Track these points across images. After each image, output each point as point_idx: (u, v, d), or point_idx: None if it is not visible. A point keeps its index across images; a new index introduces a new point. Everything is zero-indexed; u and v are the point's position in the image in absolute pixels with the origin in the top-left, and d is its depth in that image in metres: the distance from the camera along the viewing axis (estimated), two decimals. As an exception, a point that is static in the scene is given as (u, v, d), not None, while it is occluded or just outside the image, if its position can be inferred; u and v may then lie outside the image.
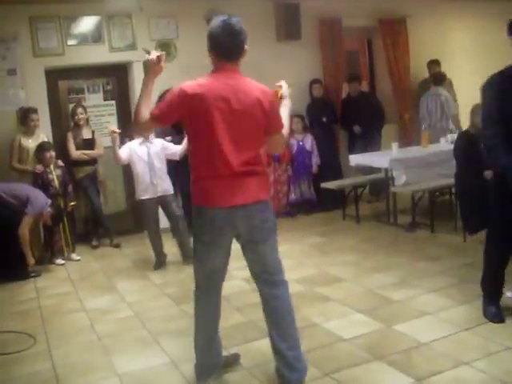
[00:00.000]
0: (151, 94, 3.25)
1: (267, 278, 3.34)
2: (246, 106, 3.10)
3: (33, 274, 6.03)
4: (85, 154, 6.89)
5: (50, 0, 6.67)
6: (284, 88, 3.57)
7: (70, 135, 6.86)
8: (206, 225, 3.16)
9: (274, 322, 3.33)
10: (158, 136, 7.24)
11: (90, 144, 6.93)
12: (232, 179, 3.09)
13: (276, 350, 3.31)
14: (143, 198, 5.95)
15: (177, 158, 6.05)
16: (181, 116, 3.12)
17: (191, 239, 3.47)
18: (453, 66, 9.01)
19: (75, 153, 6.82)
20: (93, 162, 7.04)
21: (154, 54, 3.22)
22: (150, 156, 5.94)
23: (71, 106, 7.24)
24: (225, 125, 3.06)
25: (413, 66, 8.98)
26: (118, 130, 5.86)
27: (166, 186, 6.02)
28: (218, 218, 3.12)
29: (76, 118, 6.85)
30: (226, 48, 3.17)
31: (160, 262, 6.13)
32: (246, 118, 3.10)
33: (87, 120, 7.04)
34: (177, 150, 6.02)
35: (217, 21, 3.15)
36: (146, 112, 3.12)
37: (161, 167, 6.00)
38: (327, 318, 4.25)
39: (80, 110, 6.88)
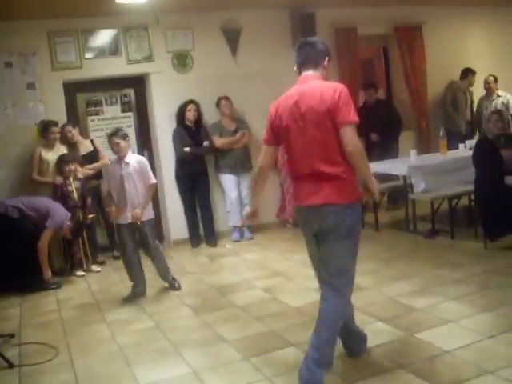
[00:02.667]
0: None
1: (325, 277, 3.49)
2: (311, 106, 3.30)
3: (53, 286, 6.07)
4: (89, 169, 6.80)
5: (68, 14, 6.74)
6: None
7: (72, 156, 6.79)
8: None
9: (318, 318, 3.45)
10: (178, 148, 7.31)
11: (92, 157, 6.86)
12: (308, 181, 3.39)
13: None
14: (120, 222, 5.46)
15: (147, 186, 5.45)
16: (277, 132, 3.49)
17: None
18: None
19: (81, 170, 6.67)
20: (98, 176, 6.94)
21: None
22: (122, 177, 5.36)
23: (90, 118, 7.30)
24: (297, 130, 3.36)
25: (429, 72, 8.94)
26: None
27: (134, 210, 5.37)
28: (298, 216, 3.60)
29: (69, 135, 6.73)
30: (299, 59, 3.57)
31: (134, 294, 5.54)
32: (313, 117, 3.30)
33: (80, 134, 6.94)
34: (149, 181, 5.44)
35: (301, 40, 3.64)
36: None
37: (135, 190, 5.38)
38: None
39: (68, 127, 6.75)
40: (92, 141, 7.02)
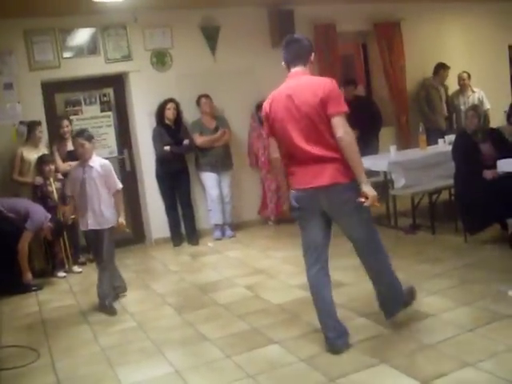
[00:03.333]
0: None
1: None
2: (305, 99, 3.58)
3: (34, 288, 6.02)
4: (69, 166, 6.68)
5: (45, 13, 6.67)
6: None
7: (55, 148, 6.80)
8: None
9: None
10: (158, 147, 7.28)
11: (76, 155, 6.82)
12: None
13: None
14: (82, 229, 5.24)
15: (112, 193, 5.21)
16: (273, 125, 3.75)
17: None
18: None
19: (62, 165, 6.68)
20: None
21: None
22: (84, 181, 5.06)
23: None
24: (293, 120, 3.63)
25: (408, 68, 8.99)
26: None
27: (102, 219, 5.10)
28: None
29: (62, 130, 6.78)
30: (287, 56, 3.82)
31: (104, 305, 5.13)
32: (307, 109, 3.57)
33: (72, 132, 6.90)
34: (116, 186, 5.20)
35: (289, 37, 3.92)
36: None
37: (98, 195, 5.08)
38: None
39: (65, 122, 6.83)
40: None
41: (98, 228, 5.11)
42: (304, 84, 3.66)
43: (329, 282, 3.87)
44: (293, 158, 3.74)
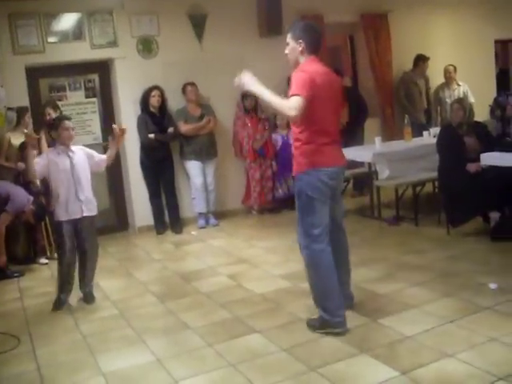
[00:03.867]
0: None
1: None
2: (333, 84, 3.96)
3: (16, 275, 5.98)
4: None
5: (30, -4, 6.61)
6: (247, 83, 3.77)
7: (42, 133, 6.70)
8: None
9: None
10: (142, 135, 7.25)
11: None
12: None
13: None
14: (63, 219, 4.91)
15: (102, 168, 5.32)
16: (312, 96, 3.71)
17: None
18: (434, 60, 9.03)
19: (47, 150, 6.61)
20: None
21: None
22: (74, 167, 4.91)
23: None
24: (330, 100, 3.89)
25: (395, 60, 9.00)
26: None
27: (91, 205, 5.04)
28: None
29: (48, 118, 6.61)
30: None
31: (61, 301, 5.00)
32: (337, 95, 3.99)
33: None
34: (103, 158, 5.21)
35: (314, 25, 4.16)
36: (284, 102, 3.66)
37: (87, 181, 5.03)
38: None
39: (48, 109, 6.60)
40: None
41: (91, 214, 4.99)
42: (330, 72, 4.01)
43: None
44: (326, 135, 3.87)
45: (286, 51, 3.99)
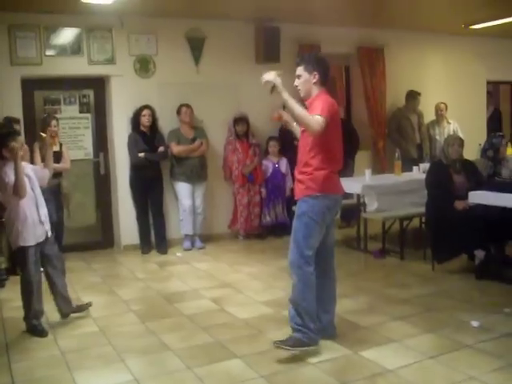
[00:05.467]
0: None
1: None
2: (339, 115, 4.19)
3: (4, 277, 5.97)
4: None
5: (31, 9, 6.64)
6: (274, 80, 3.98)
7: (36, 146, 6.65)
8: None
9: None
10: (132, 154, 7.24)
11: (56, 157, 6.54)
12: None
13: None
14: (30, 244, 4.52)
15: (45, 183, 4.86)
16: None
17: None
18: (427, 96, 9.15)
19: (40, 165, 6.56)
20: (57, 175, 6.63)
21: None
22: (34, 183, 4.57)
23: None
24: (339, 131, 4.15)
25: (389, 94, 9.10)
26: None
27: (46, 225, 4.67)
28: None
29: (49, 129, 6.66)
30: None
31: (36, 328, 4.62)
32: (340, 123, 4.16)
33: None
34: (45, 173, 4.80)
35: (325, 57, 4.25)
36: (310, 116, 3.86)
37: (40, 197, 4.65)
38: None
39: (54, 122, 6.63)
40: (61, 144, 6.77)
41: (49, 234, 4.69)
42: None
43: None
44: (337, 163, 4.12)
45: (296, 83, 4.14)
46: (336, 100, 4.19)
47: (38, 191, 4.62)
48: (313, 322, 4.01)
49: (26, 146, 4.86)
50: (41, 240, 4.61)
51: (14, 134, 4.68)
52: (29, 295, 4.61)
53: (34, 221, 4.55)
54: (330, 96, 4.07)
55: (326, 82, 4.11)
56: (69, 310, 4.92)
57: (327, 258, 4.25)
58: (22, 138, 4.67)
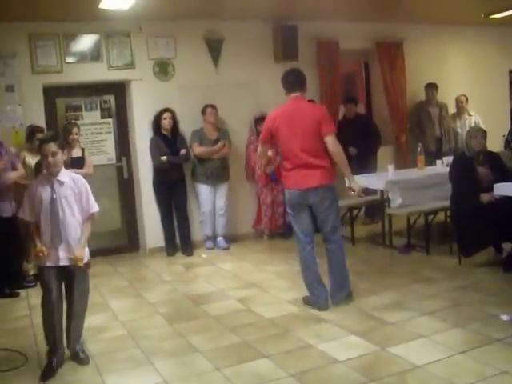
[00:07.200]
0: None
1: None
2: (304, 119, 4.71)
3: (31, 284, 6.05)
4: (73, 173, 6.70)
5: (50, 18, 6.70)
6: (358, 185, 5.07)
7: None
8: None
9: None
10: (154, 157, 7.30)
11: (78, 162, 6.64)
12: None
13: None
14: (43, 264, 3.98)
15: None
16: (271, 136, 4.89)
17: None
18: (448, 89, 9.08)
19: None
20: None
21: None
22: (54, 202, 3.94)
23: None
24: (293, 134, 4.73)
25: (409, 88, 9.04)
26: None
27: (74, 250, 3.98)
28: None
29: (70, 137, 6.67)
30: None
31: (52, 363, 4.00)
32: (304, 126, 4.70)
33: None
34: (92, 208, 4.10)
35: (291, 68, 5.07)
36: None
37: (71, 219, 3.99)
38: (321, 340, 4.23)
39: (76, 129, 6.73)
40: (83, 149, 6.87)
41: (72, 264, 3.99)
42: (303, 107, 4.81)
43: (315, 259, 4.96)
44: (292, 163, 4.78)
45: None
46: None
47: (74, 211, 4.05)
48: (312, 291, 4.97)
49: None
50: (54, 264, 4.00)
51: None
52: (48, 321, 4.12)
53: (54, 241, 3.98)
54: (289, 102, 4.84)
55: (290, 89, 4.84)
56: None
57: (329, 244, 4.98)
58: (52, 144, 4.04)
